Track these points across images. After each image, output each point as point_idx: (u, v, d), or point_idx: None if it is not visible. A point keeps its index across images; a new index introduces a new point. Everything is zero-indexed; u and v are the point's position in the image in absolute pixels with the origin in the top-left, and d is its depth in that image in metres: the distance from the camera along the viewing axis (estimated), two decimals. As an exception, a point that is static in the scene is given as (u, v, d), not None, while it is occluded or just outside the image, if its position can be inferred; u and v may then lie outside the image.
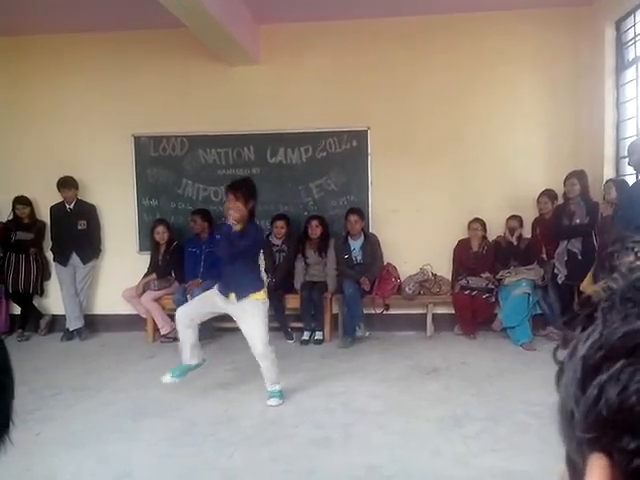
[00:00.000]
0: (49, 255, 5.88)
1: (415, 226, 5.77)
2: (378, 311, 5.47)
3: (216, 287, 3.77)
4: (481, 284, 5.33)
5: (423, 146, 5.74)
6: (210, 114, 5.84)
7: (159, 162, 6.00)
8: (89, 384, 4.22)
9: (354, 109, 5.75)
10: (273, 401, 3.76)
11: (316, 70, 5.79)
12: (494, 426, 3.34)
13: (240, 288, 3.63)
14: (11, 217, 5.79)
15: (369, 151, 5.83)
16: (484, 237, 5.54)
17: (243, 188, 3.54)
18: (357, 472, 2.84)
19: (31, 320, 5.84)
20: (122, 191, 5.96)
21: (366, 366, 4.61)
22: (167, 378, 3.77)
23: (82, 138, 5.92)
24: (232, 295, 3.65)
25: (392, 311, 5.60)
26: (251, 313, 3.65)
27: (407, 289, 5.47)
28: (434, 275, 5.59)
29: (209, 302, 3.79)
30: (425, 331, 5.55)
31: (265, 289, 3.78)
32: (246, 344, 5.32)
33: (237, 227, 3.53)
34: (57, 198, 5.74)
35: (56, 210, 5.76)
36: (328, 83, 5.77)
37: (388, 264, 5.63)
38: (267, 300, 3.78)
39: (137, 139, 5.95)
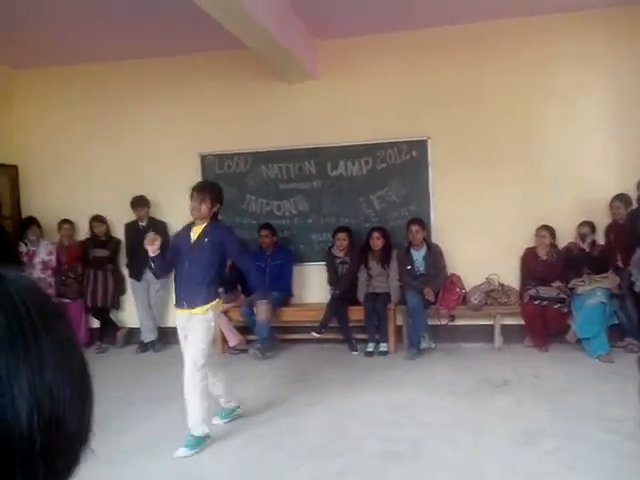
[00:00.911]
0: (124, 271, 6.19)
1: (479, 235, 5.64)
2: (443, 322, 5.39)
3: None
4: (552, 294, 5.14)
5: (485, 153, 5.63)
6: (272, 131, 5.99)
7: (224, 179, 6.17)
8: (162, 394, 4.38)
9: (413, 120, 5.73)
10: (182, 451, 3.23)
11: (373, 82, 5.82)
12: (571, 443, 3.20)
13: (195, 297, 3.42)
14: (89, 235, 6.15)
15: (429, 161, 5.78)
16: (552, 245, 5.34)
17: (208, 190, 3.57)
18: (427, 488, 2.81)
19: (108, 333, 6.16)
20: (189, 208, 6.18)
21: (433, 378, 4.55)
22: (216, 420, 3.70)
23: (153, 159, 6.22)
24: (185, 305, 3.45)
25: (458, 322, 5.50)
26: (195, 327, 3.40)
27: (473, 299, 5.35)
28: (501, 285, 5.44)
29: (181, 324, 3.54)
30: (493, 343, 5.40)
31: (219, 301, 3.61)
32: (311, 355, 5.42)
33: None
34: (131, 216, 6.05)
35: (130, 228, 6.06)
36: (386, 95, 5.79)
37: (452, 274, 5.53)
38: (218, 312, 3.62)
39: (203, 157, 6.19)
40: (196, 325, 3.39)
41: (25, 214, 6.30)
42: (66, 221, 6.13)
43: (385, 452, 3.22)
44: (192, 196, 3.52)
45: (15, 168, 6.41)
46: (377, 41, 5.74)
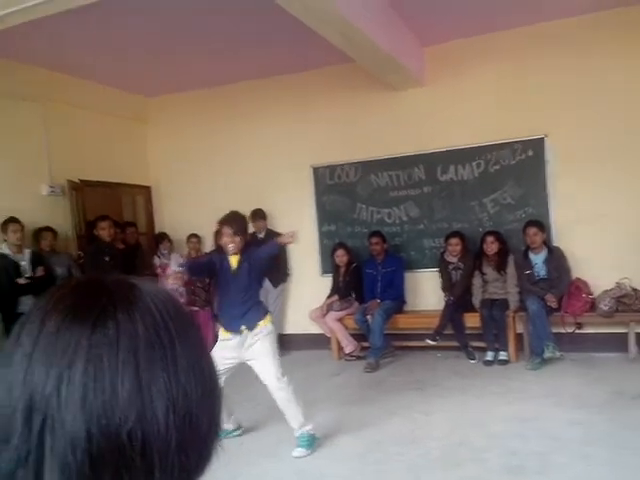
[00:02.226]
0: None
1: (606, 236, 5.26)
2: (569, 330, 5.08)
3: (221, 330, 3.66)
4: (695, 298, 4.65)
5: (608, 147, 5.24)
6: (380, 139, 6.05)
7: (335, 189, 6.36)
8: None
9: (527, 118, 5.49)
10: (298, 452, 3.43)
11: (482, 83, 5.67)
12: None
13: (249, 318, 3.54)
14: (214, 247, 6.58)
15: (547, 159, 5.50)
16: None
17: (239, 223, 3.63)
18: (557, 504, 2.69)
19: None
20: (304, 219, 6.43)
21: (560, 390, 4.31)
22: None
23: (269, 173, 6.54)
24: (244, 328, 3.52)
25: (586, 330, 5.17)
26: (260, 346, 3.49)
27: (602, 306, 4.99)
28: (634, 290, 5.02)
29: (224, 353, 3.52)
30: (627, 352, 5.00)
31: (270, 314, 3.70)
32: (427, 363, 5.37)
33: (232, 251, 3.56)
34: (250, 229, 6.39)
35: (250, 239, 6.41)
36: (496, 95, 5.61)
37: (577, 279, 5.21)
38: (272, 327, 3.64)
39: (315, 169, 6.40)
40: (261, 341, 3.50)
41: (158, 230, 6.92)
42: (194, 235, 6.63)
43: (510, 465, 3.12)
44: (222, 231, 3.59)
45: (148, 189, 7.07)
46: (485, 41, 5.59)
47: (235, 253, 3.57)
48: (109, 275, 0.56)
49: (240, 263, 3.59)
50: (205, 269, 3.90)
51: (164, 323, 0.51)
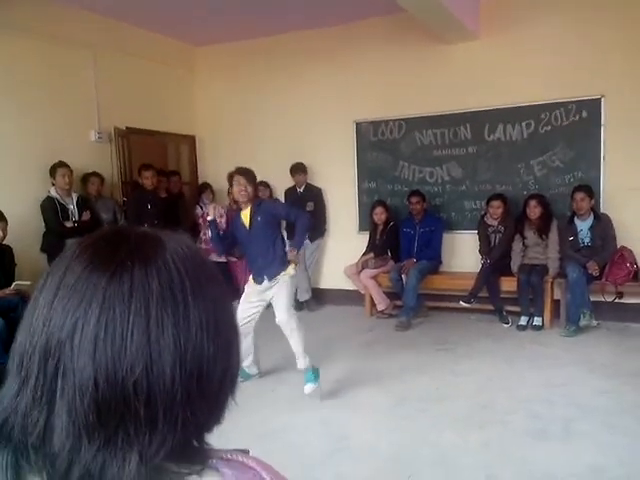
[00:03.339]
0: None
1: (659, 205, 5.02)
2: (609, 299, 4.95)
3: (250, 278, 3.89)
4: None
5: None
6: (427, 95, 5.88)
7: (378, 146, 6.27)
8: (315, 353, 4.62)
9: (584, 77, 5.21)
10: (308, 387, 3.64)
11: (538, 39, 5.37)
12: None
13: (270, 270, 3.72)
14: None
15: (602, 122, 5.24)
16: None
17: (246, 173, 3.73)
18: (576, 470, 2.69)
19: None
20: (344, 175, 6.39)
21: (593, 358, 4.25)
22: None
23: (311, 127, 6.49)
24: (265, 279, 3.74)
25: (627, 300, 5.02)
26: (278, 285, 3.72)
27: (647, 277, 4.83)
28: (683, 262, 4.82)
29: (251, 296, 3.83)
30: (669, 325, 4.85)
31: (293, 265, 3.81)
32: (459, 324, 5.37)
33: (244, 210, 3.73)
34: (291, 182, 6.43)
35: (289, 193, 6.46)
36: (552, 52, 5.32)
37: (622, 247, 5.03)
38: (294, 273, 3.83)
39: (358, 125, 6.30)
40: (280, 285, 3.73)
41: (201, 180, 7.03)
42: (230, 184, 6.69)
43: (533, 429, 3.13)
44: (234, 181, 3.72)
45: (193, 138, 7.15)
46: (545, -8, 5.27)
47: (246, 203, 3.71)
48: (137, 227, 0.58)
49: (252, 218, 3.72)
50: (232, 241, 3.98)
51: (180, 280, 0.53)
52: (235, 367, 0.58)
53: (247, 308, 3.81)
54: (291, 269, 3.78)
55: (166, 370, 0.50)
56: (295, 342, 3.72)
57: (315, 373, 3.70)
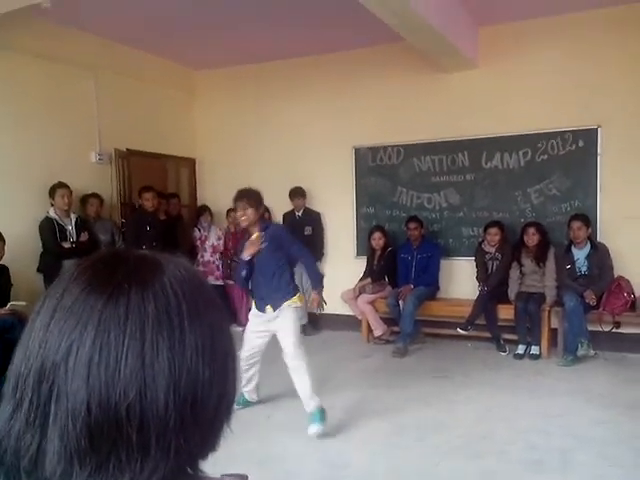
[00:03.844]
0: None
1: (655, 235, 5.06)
2: (606, 329, 4.95)
3: (253, 307, 3.74)
4: None
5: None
6: (425, 122, 5.95)
7: (376, 171, 6.31)
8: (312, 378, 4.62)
9: (581, 107, 5.29)
10: (313, 428, 3.40)
11: (537, 69, 5.47)
12: None
13: (274, 298, 3.56)
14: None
15: (599, 152, 5.30)
16: None
17: (248, 195, 3.54)
18: (574, 503, 2.66)
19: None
20: (343, 199, 6.42)
21: (590, 389, 4.23)
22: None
23: (310, 151, 6.54)
24: (268, 308, 3.59)
25: (623, 330, 5.02)
26: (283, 316, 3.55)
27: (644, 306, 4.83)
28: (680, 292, 4.83)
29: (257, 326, 3.69)
30: (666, 356, 4.84)
31: (300, 294, 3.66)
32: (456, 352, 5.34)
33: (254, 236, 3.53)
34: (289, 206, 6.46)
35: (287, 217, 6.48)
36: (550, 82, 5.41)
37: (620, 277, 5.04)
38: (301, 305, 3.69)
39: (357, 150, 6.36)
40: (284, 318, 3.54)
41: (200, 202, 7.05)
42: (233, 209, 6.70)
43: (530, 460, 3.10)
44: (235, 206, 3.58)
45: (193, 161, 7.19)
46: (542, 24, 5.38)
47: (251, 227, 3.55)
48: (136, 250, 0.58)
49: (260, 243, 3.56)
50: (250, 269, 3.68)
51: (177, 303, 0.52)
52: (231, 393, 0.57)
53: (253, 338, 3.69)
54: (297, 299, 3.61)
55: (160, 395, 0.49)
56: (301, 383, 3.49)
57: (321, 413, 3.47)
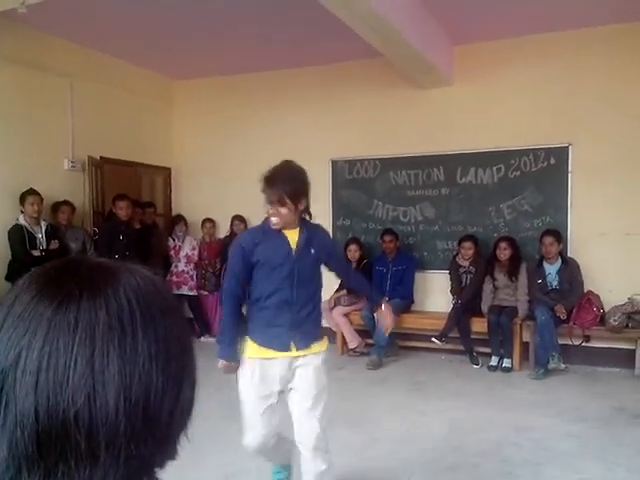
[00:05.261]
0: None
1: (623, 251, 5.19)
2: (576, 342, 5.03)
3: (252, 350, 2.40)
4: None
5: (633, 161, 5.15)
6: (402, 137, 6.02)
7: (353, 184, 6.35)
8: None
9: (553, 125, 5.42)
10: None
11: (510, 88, 5.60)
12: None
13: (303, 333, 2.36)
14: (228, 233, 6.64)
15: (569, 169, 5.43)
16: None
17: (290, 180, 2.37)
18: (544, 516, 2.68)
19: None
20: (319, 212, 6.26)
21: (561, 402, 4.28)
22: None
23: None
24: (293, 346, 2.35)
25: (593, 344, 5.12)
26: (306, 367, 2.36)
27: (612, 320, 4.93)
28: (646, 307, 4.95)
29: (258, 387, 2.36)
30: (633, 369, 4.93)
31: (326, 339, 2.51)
32: (430, 364, 5.36)
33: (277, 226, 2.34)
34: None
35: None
36: (523, 100, 5.54)
37: (589, 292, 5.14)
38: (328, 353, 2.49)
39: (334, 163, 6.39)
40: (314, 368, 2.37)
41: (175, 212, 6.99)
42: (209, 220, 6.68)
43: (501, 473, 3.11)
44: (265, 192, 2.36)
45: (169, 170, 7.13)
46: (515, 44, 5.53)
47: (281, 229, 2.36)
48: (93, 258, 0.57)
49: (300, 243, 2.36)
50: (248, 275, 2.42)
51: (130, 310, 0.52)
52: (188, 401, 0.56)
53: (257, 404, 2.38)
54: (326, 343, 2.45)
55: (110, 401, 0.49)
56: None
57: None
